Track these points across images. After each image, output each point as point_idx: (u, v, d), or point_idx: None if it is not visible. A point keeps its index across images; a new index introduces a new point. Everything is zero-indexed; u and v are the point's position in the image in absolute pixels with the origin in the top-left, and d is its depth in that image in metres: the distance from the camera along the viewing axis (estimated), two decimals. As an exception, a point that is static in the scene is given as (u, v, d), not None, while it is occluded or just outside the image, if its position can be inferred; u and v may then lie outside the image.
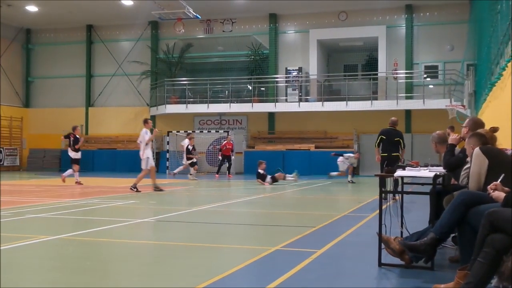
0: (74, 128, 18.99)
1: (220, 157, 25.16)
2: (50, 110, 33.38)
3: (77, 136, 18.75)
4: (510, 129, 7.02)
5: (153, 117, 31.46)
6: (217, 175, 24.45)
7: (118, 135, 32.12)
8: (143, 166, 15.22)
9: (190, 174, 22.41)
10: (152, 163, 15.34)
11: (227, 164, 25.36)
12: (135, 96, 32.34)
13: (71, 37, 33.67)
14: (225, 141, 25.32)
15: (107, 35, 33.18)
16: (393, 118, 13.80)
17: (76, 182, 18.02)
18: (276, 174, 19.30)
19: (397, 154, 13.15)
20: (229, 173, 25.22)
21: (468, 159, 5.36)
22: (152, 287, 4.75)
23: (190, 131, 26.42)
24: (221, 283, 4.83)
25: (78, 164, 18.57)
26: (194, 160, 22.95)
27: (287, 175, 19.89)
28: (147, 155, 15.15)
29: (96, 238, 7.40)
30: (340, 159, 20.73)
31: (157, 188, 15.12)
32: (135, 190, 14.82)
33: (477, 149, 4.97)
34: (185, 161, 23.08)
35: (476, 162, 4.92)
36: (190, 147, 22.73)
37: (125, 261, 5.98)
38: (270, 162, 27.44)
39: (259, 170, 19.31)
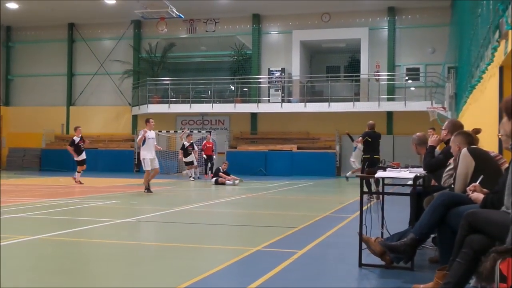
0: (75, 129, 19.38)
1: (204, 156, 24.97)
2: (30, 109, 33.01)
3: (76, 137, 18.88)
4: (491, 131, 7.10)
5: (134, 117, 31.32)
6: (206, 176, 24.27)
7: (100, 135, 31.87)
8: (143, 167, 14.94)
9: (190, 176, 22.54)
10: (155, 165, 14.77)
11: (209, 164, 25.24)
12: (117, 96, 32.13)
13: (52, 35, 33.31)
14: (205, 141, 25.26)
15: (89, 34, 32.91)
16: (371, 121, 14.20)
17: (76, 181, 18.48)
18: (219, 179, 19.28)
19: (378, 156, 13.56)
20: (205, 173, 25.03)
21: (451, 160, 5.40)
22: (132, 287, 4.72)
23: (189, 131, 26.17)
24: (202, 283, 4.82)
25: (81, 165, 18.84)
26: (191, 159, 22.88)
27: (232, 179, 19.45)
28: (143, 156, 14.73)
29: (76, 238, 7.34)
30: (352, 159, 20.21)
31: (148, 190, 14.62)
32: (147, 191, 14.42)
33: (464, 150, 4.99)
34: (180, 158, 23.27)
35: (464, 163, 4.94)
36: (187, 144, 22.77)
37: (106, 262, 5.94)
38: (253, 163, 27.56)
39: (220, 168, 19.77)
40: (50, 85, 33.08)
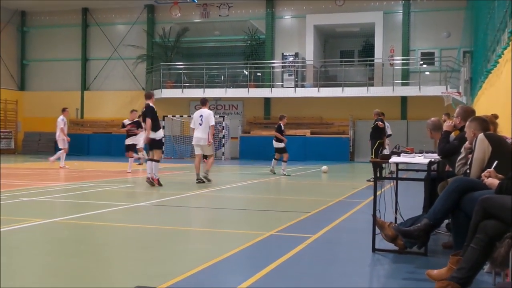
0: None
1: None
2: (45, 94, 33.22)
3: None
4: (507, 116, 7.04)
5: (148, 102, 31.37)
6: (205, 160, 24.14)
7: (114, 119, 31.99)
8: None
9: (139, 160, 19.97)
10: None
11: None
12: (131, 80, 32.22)
13: (67, 20, 33.41)
14: None
15: (103, 19, 32.96)
16: (378, 109, 15.20)
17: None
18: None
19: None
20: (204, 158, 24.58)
21: (465, 145, 5.36)
22: (147, 271, 4.77)
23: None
24: (216, 267, 4.86)
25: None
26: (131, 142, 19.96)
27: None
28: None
29: (91, 222, 7.41)
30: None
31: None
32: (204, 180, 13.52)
33: (481, 135, 4.94)
34: None
35: (481, 148, 4.88)
36: (127, 121, 19.81)
37: (120, 245, 6.01)
38: (266, 148, 27.52)
39: None
40: (65, 70, 33.26)
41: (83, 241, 6.12)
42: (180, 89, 29.11)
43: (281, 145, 16.74)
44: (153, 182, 12.21)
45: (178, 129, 29.02)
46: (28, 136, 32.72)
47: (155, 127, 12.56)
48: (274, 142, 16.91)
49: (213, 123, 13.50)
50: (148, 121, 12.38)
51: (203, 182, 13.27)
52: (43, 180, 14.15)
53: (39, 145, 31.97)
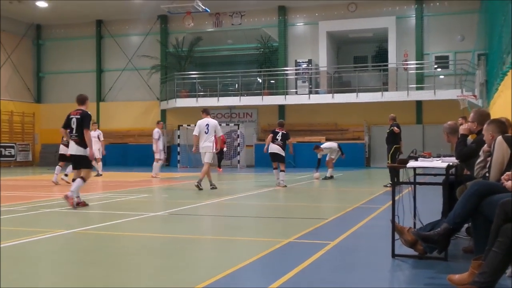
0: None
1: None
2: (61, 105, 33.37)
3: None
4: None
5: (163, 111, 31.58)
6: (219, 169, 24.34)
7: (129, 130, 32.26)
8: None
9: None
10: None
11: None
12: (145, 91, 32.44)
13: (81, 32, 33.79)
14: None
15: (117, 30, 33.28)
16: (393, 114, 15.10)
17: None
18: None
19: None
20: (219, 166, 24.93)
21: (484, 148, 5.33)
22: (167, 279, 4.79)
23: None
24: (235, 275, 4.86)
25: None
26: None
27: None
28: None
29: (110, 232, 7.46)
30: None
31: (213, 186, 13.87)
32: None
33: (500, 138, 4.90)
34: None
35: (499, 151, 4.85)
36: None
37: (139, 254, 6.03)
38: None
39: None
40: (80, 82, 33.58)
41: (103, 251, 6.16)
42: (195, 98, 29.24)
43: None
44: None
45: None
46: (45, 148, 33.02)
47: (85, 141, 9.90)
48: (281, 150, 14.93)
49: (221, 133, 14.00)
50: (88, 133, 9.87)
51: (216, 188, 13.55)
52: (62, 191, 14.26)
53: (56, 157, 32.14)
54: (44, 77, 34.85)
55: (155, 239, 6.98)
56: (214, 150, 13.85)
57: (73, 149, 9.95)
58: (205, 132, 13.76)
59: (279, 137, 14.88)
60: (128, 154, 30.91)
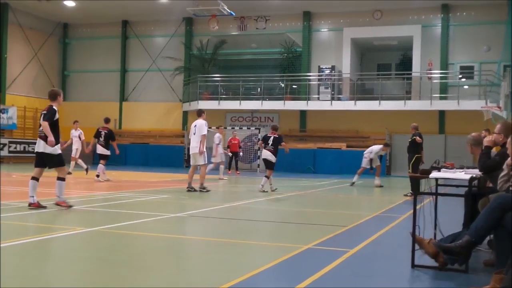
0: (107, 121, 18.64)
1: (229, 154, 24.42)
2: (85, 104, 33.89)
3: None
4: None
5: (185, 113, 31.74)
6: (229, 171, 24.30)
7: (151, 130, 32.47)
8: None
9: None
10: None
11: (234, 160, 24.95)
12: (168, 92, 32.64)
13: (107, 32, 34.15)
14: (231, 137, 25.13)
15: (142, 31, 33.56)
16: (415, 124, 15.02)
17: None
18: None
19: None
20: (236, 169, 24.91)
21: (508, 161, 5.28)
22: (184, 281, 4.82)
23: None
24: (253, 280, 4.87)
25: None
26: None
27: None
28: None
29: (130, 231, 7.53)
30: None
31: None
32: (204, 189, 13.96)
33: None
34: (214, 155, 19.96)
35: None
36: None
37: (158, 255, 6.08)
38: (301, 160, 27.50)
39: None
40: (104, 81, 33.93)
41: (123, 250, 6.21)
42: (217, 101, 29.33)
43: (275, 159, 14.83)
44: None
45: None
46: (68, 146, 33.31)
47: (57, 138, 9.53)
48: (272, 156, 14.59)
49: (205, 133, 13.84)
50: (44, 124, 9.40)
51: (194, 191, 13.63)
52: (83, 189, 14.42)
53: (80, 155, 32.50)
54: (69, 75, 35.27)
55: (173, 240, 7.02)
56: (198, 151, 13.71)
57: (41, 146, 9.44)
58: (193, 133, 13.96)
59: (270, 141, 14.60)
60: (149, 154, 31.13)
